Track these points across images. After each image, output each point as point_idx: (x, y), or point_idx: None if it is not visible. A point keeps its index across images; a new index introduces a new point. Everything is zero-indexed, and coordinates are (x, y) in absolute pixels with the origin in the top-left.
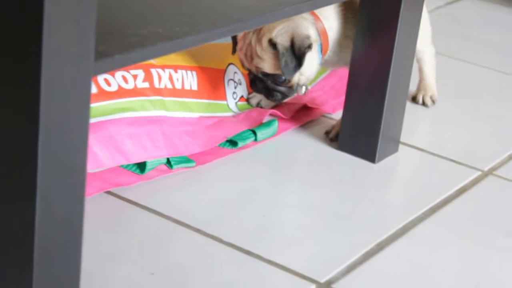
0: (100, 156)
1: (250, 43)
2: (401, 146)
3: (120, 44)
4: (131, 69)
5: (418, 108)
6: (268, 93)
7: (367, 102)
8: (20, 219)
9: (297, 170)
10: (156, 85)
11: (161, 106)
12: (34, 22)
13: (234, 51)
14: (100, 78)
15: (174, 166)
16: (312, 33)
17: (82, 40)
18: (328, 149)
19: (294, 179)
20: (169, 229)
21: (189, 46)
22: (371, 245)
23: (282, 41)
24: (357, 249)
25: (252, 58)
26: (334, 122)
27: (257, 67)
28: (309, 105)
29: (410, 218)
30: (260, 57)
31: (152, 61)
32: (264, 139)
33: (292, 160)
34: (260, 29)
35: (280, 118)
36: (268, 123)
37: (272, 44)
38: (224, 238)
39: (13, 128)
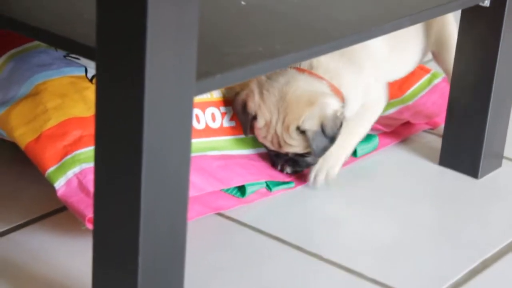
0: (197, 182)
1: (275, 133)
2: (504, 161)
3: (221, 64)
4: (222, 106)
5: None
6: (294, 164)
7: (469, 116)
8: (125, 241)
9: (399, 186)
10: None
11: (245, 145)
12: (137, 43)
13: (246, 132)
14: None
15: (274, 189)
16: (336, 104)
17: (183, 60)
18: (429, 164)
19: (394, 195)
20: (269, 246)
21: (290, 63)
22: (476, 263)
23: (312, 127)
24: (462, 268)
25: (280, 145)
26: (434, 138)
27: (287, 151)
28: (411, 120)
29: None
30: (289, 144)
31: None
32: (364, 155)
33: (393, 176)
34: (284, 118)
35: (380, 134)
36: (368, 138)
37: (301, 131)
38: (324, 256)
39: (118, 146)
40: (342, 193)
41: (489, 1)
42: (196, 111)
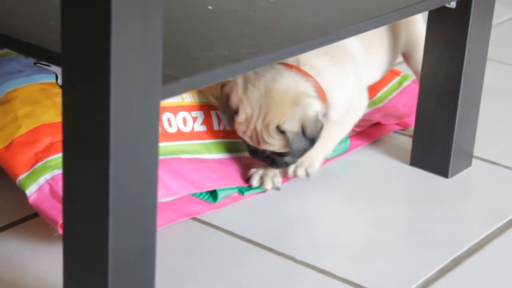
0: (171, 185)
1: (255, 129)
2: (474, 160)
3: (187, 67)
4: (193, 110)
5: (491, 121)
6: (272, 162)
7: (438, 116)
8: (95, 246)
9: (369, 186)
10: (215, 127)
11: (216, 149)
12: (101, 47)
13: (227, 125)
14: (164, 118)
15: (246, 193)
16: (318, 106)
17: (149, 64)
18: (400, 164)
19: (366, 196)
20: (241, 249)
21: (256, 67)
22: (447, 261)
23: (292, 128)
24: (432, 266)
25: (258, 142)
26: (405, 139)
27: (265, 149)
28: (382, 121)
29: (486, 234)
30: (268, 142)
31: (213, 102)
32: (336, 156)
33: (364, 176)
34: (265, 115)
35: (351, 135)
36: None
37: (281, 131)
38: (296, 257)
39: (85, 151)
40: (314, 194)
41: (455, 3)
42: (168, 115)
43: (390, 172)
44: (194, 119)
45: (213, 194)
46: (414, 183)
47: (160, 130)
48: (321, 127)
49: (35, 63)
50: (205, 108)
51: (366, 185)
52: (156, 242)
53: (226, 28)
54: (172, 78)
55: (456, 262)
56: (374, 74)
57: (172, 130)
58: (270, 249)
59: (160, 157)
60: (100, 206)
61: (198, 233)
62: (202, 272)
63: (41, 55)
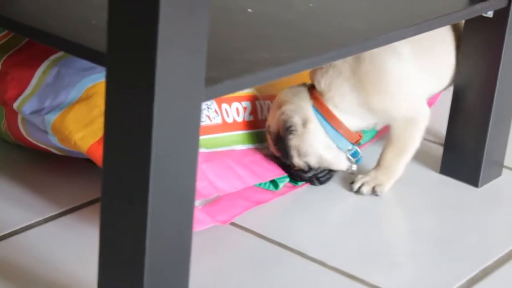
0: (243, 176)
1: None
2: (504, 170)
3: (230, 70)
4: (243, 101)
5: None
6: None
7: (470, 125)
8: (132, 242)
9: (400, 193)
10: (259, 117)
11: (262, 139)
12: (147, 48)
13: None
14: (222, 109)
15: (300, 182)
16: (302, 113)
17: (193, 66)
18: (430, 173)
19: (396, 203)
20: (272, 252)
21: (297, 71)
22: (476, 271)
23: (273, 129)
24: (462, 275)
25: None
26: (436, 147)
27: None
28: None
29: None
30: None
31: (256, 92)
32: (366, 142)
33: (395, 184)
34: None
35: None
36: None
37: (269, 131)
38: (327, 262)
39: (127, 152)
40: (344, 201)
41: (492, 12)
42: (225, 106)
43: (420, 180)
44: (244, 109)
45: (273, 182)
46: (444, 192)
47: (221, 121)
48: (290, 131)
49: None
50: (252, 98)
51: (396, 192)
52: (191, 244)
53: (266, 32)
54: (215, 81)
55: (485, 272)
56: (433, 84)
57: (229, 120)
58: (300, 253)
59: (223, 148)
60: (139, 207)
61: (230, 236)
62: (232, 275)
63: (85, 54)
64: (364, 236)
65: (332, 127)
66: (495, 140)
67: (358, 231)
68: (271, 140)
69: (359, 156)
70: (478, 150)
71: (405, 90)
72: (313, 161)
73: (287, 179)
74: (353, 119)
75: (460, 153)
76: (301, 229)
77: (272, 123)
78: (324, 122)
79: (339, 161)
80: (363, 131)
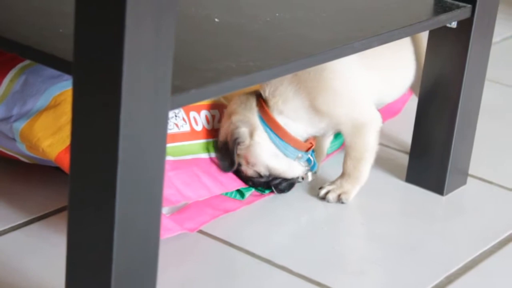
0: (209, 185)
1: None
2: (469, 179)
3: (196, 79)
4: (212, 109)
5: (486, 140)
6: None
7: (435, 134)
8: (99, 249)
9: (365, 201)
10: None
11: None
12: (114, 58)
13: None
14: (191, 117)
15: (266, 191)
16: (249, 123)
17: (159, 75)
18: (396, 181)
19: (362, 211)
20: (240, 260)
21: (263, 80)
22: (440, 278)
23: (221, 137)
24: (426, 282)
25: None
26: (401, 155)
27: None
28: None
29: (480, 252)
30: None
31: (224, 101)
32: (333, 151)
33: (360, 192)
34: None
35: None
36: (337, 136)
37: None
38: (293, 269)
39: (93, 158)
40: (311, 209)
41: (456, 23)
42: (194, 114)
43: (386, 189)
44: (213, 117)
45: (239, 192)
46: (409, 200)
47: (189, 129)
48: (237, 143)
49: None
50: (220, 106)
51: (363, 200)
52: (159, 252)
53: (233, 42)
54: (181, 89)
55: (449, 280)
56: (383, 88)
57: (198, 128)
58: (268, 261)
59: (190, 156)
60: (105, 215)
61: (196, 243)
62: (199, 282)
63: (51, 63)
64: (330, 243)
65: (277, 136)
66: (460, 149)
67: (324, 239)
68: (217, 148)
69: (312, 164)
70: (443, 159)
71: (350, 89)
72: (262, 170)
73: (253, 189)
74: (301, 124)
75: (426, 162)
76: (268, 237)
77: (222, 132)
78: (269, 132)
79: (290, 169)
80: (332, 140)
